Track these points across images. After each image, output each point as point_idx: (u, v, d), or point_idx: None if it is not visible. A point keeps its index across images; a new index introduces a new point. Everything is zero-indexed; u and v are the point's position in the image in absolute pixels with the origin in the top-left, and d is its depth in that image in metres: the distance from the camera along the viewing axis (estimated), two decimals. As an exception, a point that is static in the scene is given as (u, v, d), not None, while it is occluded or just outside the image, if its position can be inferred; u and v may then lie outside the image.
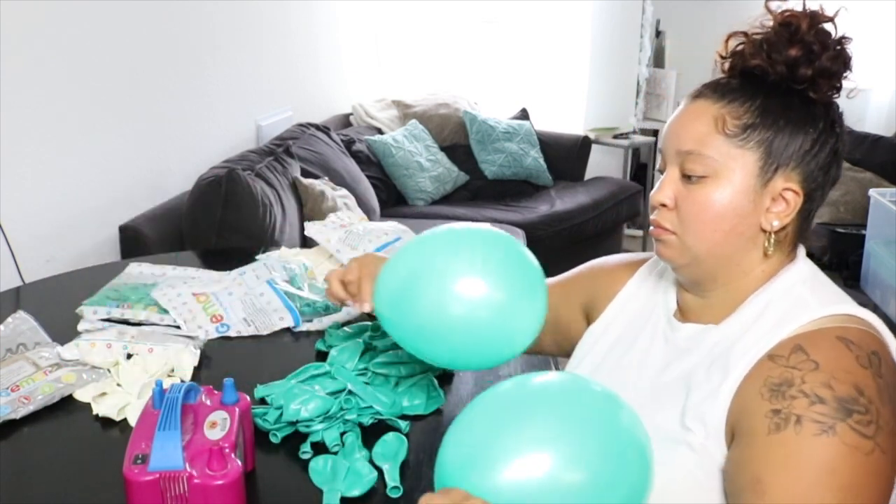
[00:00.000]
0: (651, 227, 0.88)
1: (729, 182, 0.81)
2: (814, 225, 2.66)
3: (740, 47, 0.85)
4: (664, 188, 0.85)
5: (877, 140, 3.08)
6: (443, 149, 3.61)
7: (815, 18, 0.81)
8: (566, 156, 3.78)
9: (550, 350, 1.13)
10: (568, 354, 1.05)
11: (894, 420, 0.72)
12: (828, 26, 0.82)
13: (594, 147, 3.91)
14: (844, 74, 0.83)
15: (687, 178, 0.83)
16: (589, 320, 1.05)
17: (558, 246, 3.23)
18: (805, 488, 0.70)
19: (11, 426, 1.08)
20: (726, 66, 0.87)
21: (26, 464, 1.01)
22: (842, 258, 2.66)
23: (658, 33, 4.43)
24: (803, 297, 0.81)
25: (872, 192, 2.53)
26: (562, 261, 3.63)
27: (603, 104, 4.14)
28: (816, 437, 0.71)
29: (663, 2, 4.28)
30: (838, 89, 0.84)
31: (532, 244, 2.99)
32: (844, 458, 0.70)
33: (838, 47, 0.82)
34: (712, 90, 0.84)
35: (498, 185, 3.58)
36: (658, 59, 4.44)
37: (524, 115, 3.89)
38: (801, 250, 0.88)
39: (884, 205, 2.44)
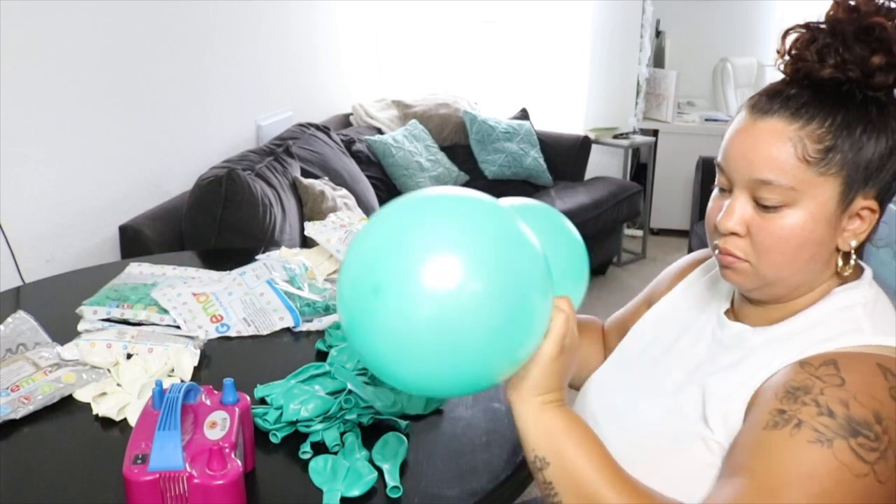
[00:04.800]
0: (718, 253, 0.83)
1: (809, 211, 0.76)
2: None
3: (810, 45, 0.77)
4: (734, 215, 0.79)
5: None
6: (443, 149, 3.61)
7: (891, 15, 0.74)
8: (566, 156, 3.78)
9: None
10: None
11: None
12: None
13: (594, 147, 3.91)
14: None
15: (761, 206, 0.77)
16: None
17: (558, 246, 3.23)
18: (777, 484, 0.68)
19: (11, 426, 1.08)
20: (785, 65, 0.79)
21: (26, 464, 1.01)
22: (842, 258, 2.65)
23: (658, 33, 4.43)
24: (859, 321, 0.77)
25: (872, 192, 2.53)
26: (562, 261, 3.55)
27: (603, 104, 4.14)
28: (809, 444, 0.69)
29: (663, 2, 4.28)
30: None
31: (532, 244, 3.00)
32: (829, 472, 0.67)
33: None
34: (783, 106, 0.76)
35: (498, 185, 3.58)
36: (658, 59, 4.45)
37: (524, 115, 3.89)
38: (868, 272, 0.84)
39: (884, 205, 2.44)
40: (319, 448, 1.01)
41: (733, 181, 0.80)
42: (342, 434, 1.03)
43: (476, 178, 3.60)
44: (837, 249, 0.80)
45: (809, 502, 0.67)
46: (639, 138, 4.04)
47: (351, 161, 3.06)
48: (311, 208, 2.44)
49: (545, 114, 4.05)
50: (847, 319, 0.78)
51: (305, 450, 1.00)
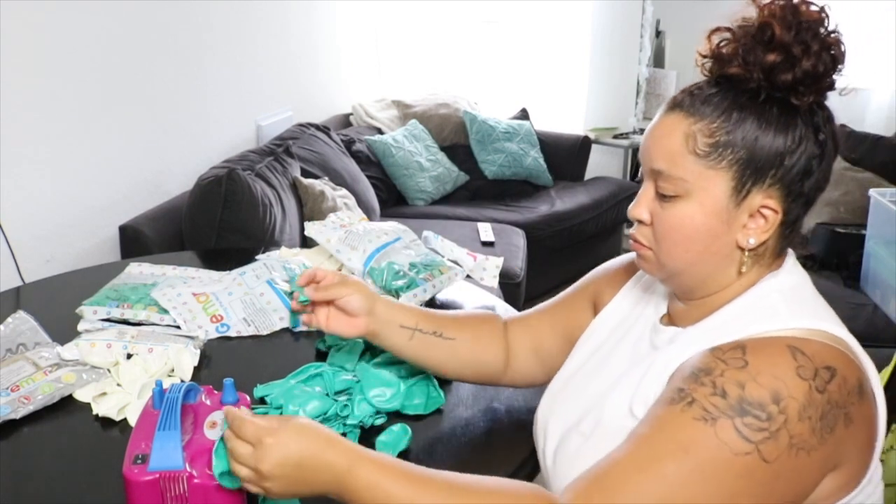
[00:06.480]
0: (630, 241, 0.87)
1: (701, 203, 0.78)
2: (813, 225, 2.68)
3: (724, 46, 0.80)
4: (640, 204, 0.84)
5: (877, 140, 3.07)
6: (443, 149, 3.61)
7: (796, 16, 0.76)
8: (566, 156, 3.78)
9: (543, 381, 1.07)
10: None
11: (809, 438, 0.70)
12: (814, 23, 0.76)
13: (594, 147, 3.91)
14: (834, 75, 0.77)
15: (661, 195, 0.81)
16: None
17: (558, 246, 3.23)
18: (655, 454, 0.71)
19: (11, 426, 1.08)
20: (707, 67, 0.82)
21: (26, 464, 1.01)
22: (842, 258, 2.65)
23: (658, 33, 4.43)
24: (776, 306, 0.78)
25: (872, 192, 2.52)
26: (562, 261, 3.62)
27: (603, 104, 4.14)
28: (694, 420, 0.70)
29: (663, 2, 4.28)
30: (825, 90, 0.78)
31: (532, 244, 3.00)
32: (707, 447, 0.69)
33: (824, 47, 0.76)
34: (688, 102, 0.80)
35: (498, 185, 3.58)
36: (658, 59, 4.44)
37: (524, 115, 3.89)
38: (791, 258, 0.84)
39: (884, 205, 2.44)
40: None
41: (644, 172, 0.84)
42: (342, 435, 1.03)
43: (476, 178, 3.60)
44: (741, 248, 0.80)
45: (683, 473, 0.69)
46: (639, 138, 4.04)
47: (351, 161, 3.06)
48: (311, 208, 2.44)
49: (545, 114, 4.05)
50: (764, 306, 0.79)
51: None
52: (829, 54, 0.76)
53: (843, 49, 0.77)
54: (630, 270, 1.01)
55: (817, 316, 0.77)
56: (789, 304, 0.79)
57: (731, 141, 0.77)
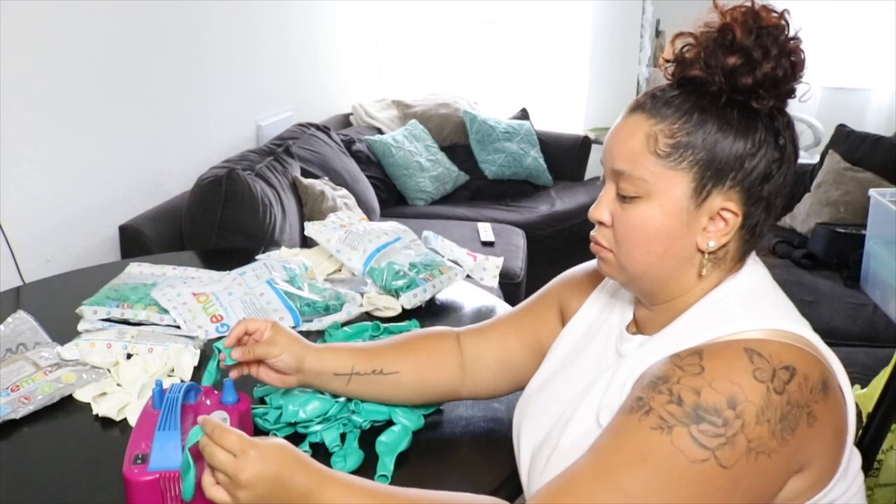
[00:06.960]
0: (591, 244, 0.86)
1: (661, 204, 0.78)
2: (813, 225, 2.67)
3: (687, 50, 0.80)
4: (601, 205, 0.83)
5: (877, 140, 3.06)
6: (443, 149, 3.61)
7: (757, 21, 0.76)
8: (566, 156, 3.78)
9: (507, 391, 1.08)
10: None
11: (769, 441, 0.69)
12: (774, 28, 0.77)
13: (594, 147, 3.91)
14: (794, 80, 0.78)
15: (622, 196, 0.81)
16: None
17: (558, 246, 3.23)
18: (614, 464, 0.71)
19: (11, 426, 1.08)
20: (670, 71, 0.82)
21: (26, 464, 1.01)
22: (842, 258, 2.65)
23: (658, 33, 4.43)
24: (731, 309, 0.79)
25: (872, 192, 2.52)
26: (562, 261, 3.62)
27: (603, 104, 4.14)
28: (651, 430, 0.70)
29: (663, 2, 4.28)
30: (786, 96, 0.79)
31: (532, 244, 3.00)
32: (664, 456, 0.69)
33: (784, 52, 0.77)
34: (649, 104, 0.80)
35: (498, 185, 3.59)
36: (658, 59, 4.45)
37: (524, 115, 3.89)
38: (751, 260, 0.84)
39: (884, 205, 2.43)
40: (319, 448, 1.01)
41: (605, 173, 0.84)
42: (342, 435, 1.03)
43: (476, 178, 3.61)
44: (702, 251, 0.80)
45: (641, 484, 0.69)
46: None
47: (351, 161, 3.06)
48: (311, 208, 2.44)
49: (545, 114, 4.05)
50: (721, 309, 0.79)
51: (304, 450, 1.00)
52: (788, 60, 0.77)
53: (802, 56, 0.78)
54: (595, 277, 1.00)
55: (776, 315, 0.77)
56: (746, 305, 0.79)
57: (692, 142, 0.77)
